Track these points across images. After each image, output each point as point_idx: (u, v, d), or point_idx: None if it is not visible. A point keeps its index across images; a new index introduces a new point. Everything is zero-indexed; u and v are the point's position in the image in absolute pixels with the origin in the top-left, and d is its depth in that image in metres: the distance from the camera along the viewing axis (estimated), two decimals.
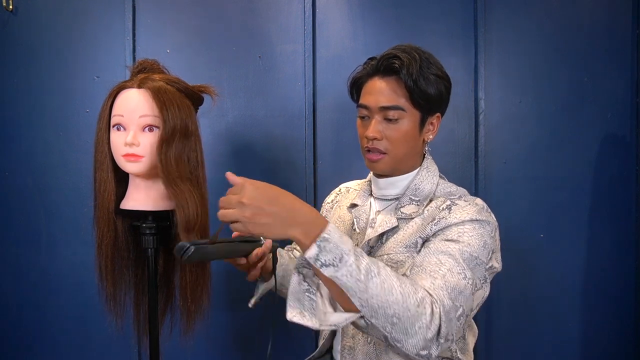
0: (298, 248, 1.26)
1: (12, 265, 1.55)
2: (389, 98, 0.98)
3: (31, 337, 1.56)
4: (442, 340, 0.80)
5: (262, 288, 1.13)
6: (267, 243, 1.03)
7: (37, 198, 1.54)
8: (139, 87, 0.98)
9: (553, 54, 1.65)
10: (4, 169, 1.55)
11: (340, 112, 1.60)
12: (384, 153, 1.00)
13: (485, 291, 0.95)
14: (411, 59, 0.96)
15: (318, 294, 0.81)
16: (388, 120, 0.99)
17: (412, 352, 0.78)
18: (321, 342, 1.14)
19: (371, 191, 1.12)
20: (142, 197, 1.02)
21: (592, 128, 1.67)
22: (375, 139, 0.99)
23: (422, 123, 1.01)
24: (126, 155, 0.97)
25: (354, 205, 1.13)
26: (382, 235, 1.02)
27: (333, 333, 1.11)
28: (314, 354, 1.15)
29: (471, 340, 1.07)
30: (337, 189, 1.27)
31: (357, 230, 1.08)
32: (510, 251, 1.64)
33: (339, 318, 0.79)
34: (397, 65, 0.96)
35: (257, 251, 1.01)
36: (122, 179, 1.05)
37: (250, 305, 1.12)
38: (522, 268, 1.65)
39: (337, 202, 1.22)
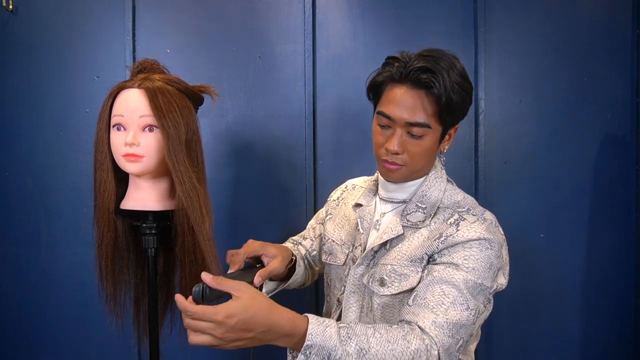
0: (304, 243, 1.26)
1: (12, 265, 1.55)
2: (417, 115, 0.93)
3: (31, 337, 1.56)
4: None
5: (269, 287, 1.14)
6: (270, 267, 1.03)
7: (37, 198, 1.54)
8: (139, 87, 0.98)
9: (553, 54, 1.65)
10: (4, 169, 1.55)
11: (341, 112, 1.60)
12: (402, 165, 0.98)
13: (488, 311, 0.95)
14: (444, 74, 0.91)
15: None
16: (411, 135, 0.95)
17: None
18: None
19: (376, 191, 1.11)
20: (142, 197, 1.02)
21: (592, 128, 1.67)
22: (397, 154, 0.96)
23: (442, 136, 0.99)
24: (126, 155, 0.97)
25: (358, 205, 1.12)
26: (386, 241, 1.01)
27: None
28: None
29: (473, 344, 1.07)
30: (343, 185, 1.26)
31: (361, 230, 1.07)
32: (511, 251, 1.63)
33: None
34: (428, 81, 0.91)
35: (261, 273, 1.01)
36: (122, 179, 1.05)
37: None
38: (522, 268, 1.65)
39: (342, 199, 1.21)
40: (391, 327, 0.85)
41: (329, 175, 1.59)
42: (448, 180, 1.06)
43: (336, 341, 0.78)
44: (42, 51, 1.53)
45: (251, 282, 1.02)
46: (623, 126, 1.69)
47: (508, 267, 1.00)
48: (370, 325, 0.84)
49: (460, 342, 0.87)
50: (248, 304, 0.76)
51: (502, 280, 0.98)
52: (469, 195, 1.05)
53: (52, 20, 1.54)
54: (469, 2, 1.62)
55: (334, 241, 1.13)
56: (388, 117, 0.96)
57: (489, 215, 0.99)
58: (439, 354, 0.83)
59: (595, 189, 1.68)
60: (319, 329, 0.78)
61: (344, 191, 1.23)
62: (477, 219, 0.96)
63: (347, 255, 1.08)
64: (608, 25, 1.67)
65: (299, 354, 0.77)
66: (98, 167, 1.03)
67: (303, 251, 1.25)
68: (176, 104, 0.98)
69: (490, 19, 1.62)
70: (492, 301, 0.96)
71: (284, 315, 0.78)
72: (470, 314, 0.88)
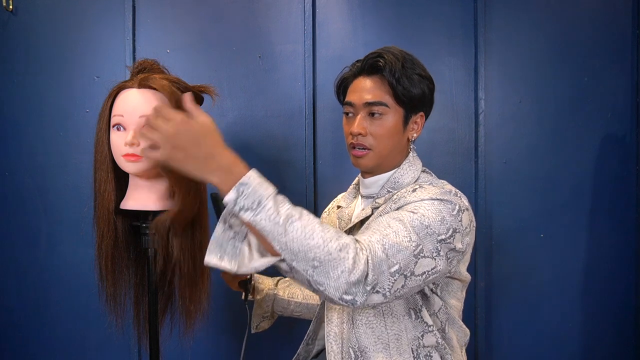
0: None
1: (12, 265, 1.55)
2: (373, 94, 1.01)
3: (31, 337, 1.56)
4: (369, 288, 0.79)
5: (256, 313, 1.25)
6: None
7: (37, 198, 1.54)
8: (139, 87, 0.98)
9: (553, 54, 1.65)
10: (4, 169, 1.55)
11: (340, 111, 1.58)
12: (369, 149, 1.02)
13: (437, 264, 0.89)
14: (394, 58, 1.00)
15: (245, 243, 0.82)
16: (372, 115, 1.01)
17: (335, 296, 0.78)
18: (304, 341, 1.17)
19: (356, 193, 1.15)
20: (142, 197, 1.02)
21: (592, 128, 1.67)
22: (360, 134, 1.01)
23: (406, 121, 1.03)
24: (126, 155, 0.97)
25: (339, 207, 1.17)
26: (362, 223, 1.04)
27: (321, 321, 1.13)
28: (298, 351, 1.18)
29: (454, 335, 1.04)
30: (335, 199, 1.30)
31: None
32: (511, 251, 1.64)
33: (260, 262, 0.80)
34: (380, 64, 1.00)
35: None
36: (122, 179, 1.05)
37: (253, 330, 1.19)
38: (522, 268, 1.65)
39: (332, 208, 1.26)
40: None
41: (329, 175, 1.59)
42: (425, 171, 1.08)
43: (271, 194, 0.78)
44: (42, 51, 1.53)
45: (246, 284, 1.12)
46: (623, 126, 1.69)
47: (469, 237, 0.96)
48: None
49: (396, 266, 0.83)
50: (210, 124, 0.81)
51: (460, 245, 0.93)
52: (445, 182, 1.04)
53: (52, 20, 1.54)
54: (469, 2, 1.62)
55: None
56: (350, 104, 1.04)
57: (449, 186, 0.99)
58: (367, 259, 0.79)
59: (595, 189, 1.68)
60: (259, 178, 0.79)
61: (333, 202, 1.28)
62: (435, 187, 0.98)
63: None
64: (608, 25, 1.67)
65: (231, 190, 0.76)
66: (98, 167, 1.03)
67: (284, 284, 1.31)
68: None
69: (490, 19, 1.62)
70: (443, 257, 0.90)
71: (230, 152, 0.80)
72: (411, 245, 0.85)
